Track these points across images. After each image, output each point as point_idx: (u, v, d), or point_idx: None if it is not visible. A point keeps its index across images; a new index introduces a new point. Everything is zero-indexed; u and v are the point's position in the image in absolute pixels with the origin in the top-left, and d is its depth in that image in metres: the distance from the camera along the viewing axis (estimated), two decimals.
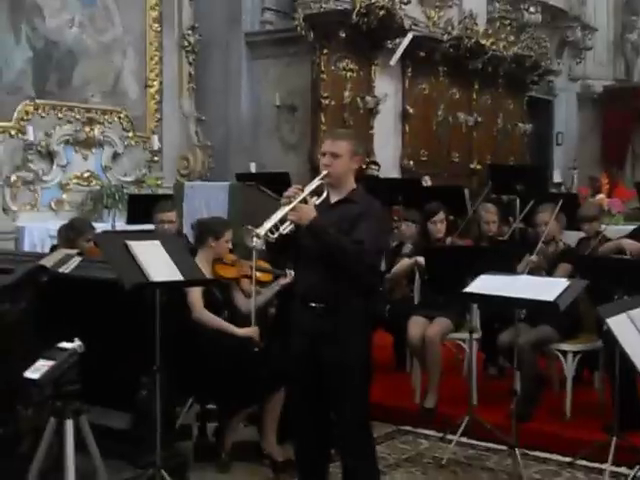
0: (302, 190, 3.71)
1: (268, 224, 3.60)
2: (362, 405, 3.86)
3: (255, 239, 3.61)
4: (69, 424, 2.89)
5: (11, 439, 3.93)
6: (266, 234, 3.60)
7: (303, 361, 3.84)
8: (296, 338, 3.89)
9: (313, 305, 3.77)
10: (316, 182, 3.78)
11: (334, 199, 3.86)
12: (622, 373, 4.62)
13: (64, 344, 2.88)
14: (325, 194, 3.81)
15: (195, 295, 4.91)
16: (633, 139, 17.78)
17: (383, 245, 3.78)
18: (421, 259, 5.98)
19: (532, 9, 15.40)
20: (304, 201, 3.70)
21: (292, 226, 3.68)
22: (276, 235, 3.64)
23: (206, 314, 4.94)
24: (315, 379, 3.81)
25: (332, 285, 3.71)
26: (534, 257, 5.74)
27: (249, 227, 3.64)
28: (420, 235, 6.43)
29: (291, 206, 3.64)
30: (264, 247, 3.91)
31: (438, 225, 6.18)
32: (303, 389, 3.89)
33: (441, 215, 6.21)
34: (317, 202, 3.76)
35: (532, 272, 5.61)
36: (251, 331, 4.97)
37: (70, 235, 5.84)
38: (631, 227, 6.63)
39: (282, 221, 3.66)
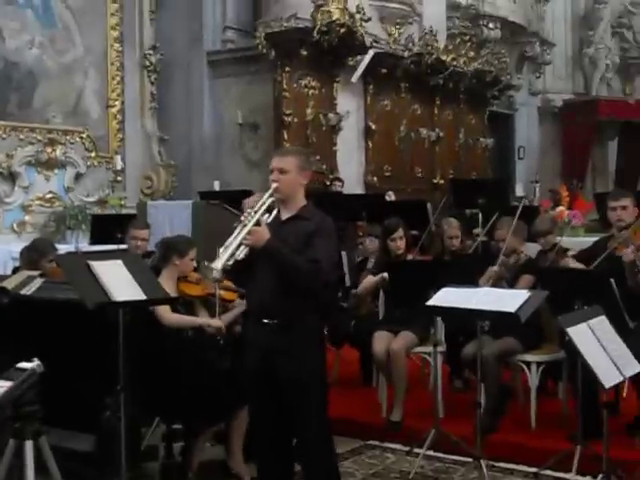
0: (254, 212, 3.70)
1: (224, 255, 3.60)
2: (320, 420, 3.86)
3: (215, 272, 3.63)
4: (29, 445, 2.86)
5: None
6: (224, 266, 3.60)
7: (258, 377, 3.84)
8: (250, 354, 3.90)
9: (266, 321, 3.78)
10: (267, 200, 3.77)
11: (285, 216, 3.86)
12: (585, 382, 4.67)
13: (23, 364, 2.86)
14: (275, 211, 3.82)
15: (161, 307, 4.88)
16: (593, 152, 18.04)
17: (336, 261, 3.80)
18: (386, 275, 6.00)
19: (491, 25, 15.62)
20: (257, 222, 3.69)
21: (247, 250, 3.67)
22: (231, 262, 3.63)
23: (175, 317, 4.92)
24: (272, 395, 3.82)
25: (285, 301, 3.71)
26: (496, 268, 5.78)
27: (206, 264, 3.72)
28: (381, 252, 6.45)
29: (246, 230, 3.64)
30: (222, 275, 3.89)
31: (398, 242, 6.19)
32: (260, 405, 3.89)
33: (400, 232, 6.22)
34: (269, 220, 3.76)
35: (494, 284, 5.66)
36: (215, 321, 4.97)
37: (33, 256, 5.79)
38: (591, 239, 6.71)
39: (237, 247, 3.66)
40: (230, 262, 3.62)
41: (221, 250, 3.64)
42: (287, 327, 3.74)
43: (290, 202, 3.86)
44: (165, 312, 4.89)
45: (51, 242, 6.59)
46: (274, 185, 3.79)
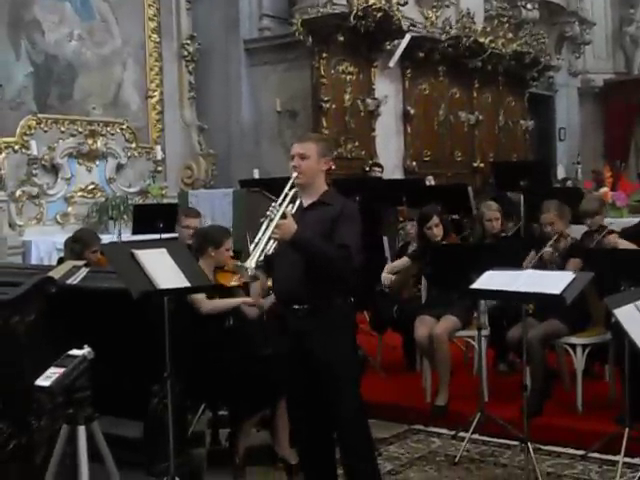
0: (278, 204, 3.72)
1: (256, 253, 3.62)
2: (354, 404, 3.89)
3: (249, 271, 3.64)
4: (81, 430, 2.91)
5: (25, 450, 3.95)
6: (257, 264, 3.63)
7: (291, 361, 3.90)
8: (282, 338, 3.95)
9: (295, 307, 3.82)
10: (290, 192, 3.79)
11: (307, 202, 3.89)
12: (632, 364, 4.62)
13: (74, 351, 2.90)
14: (299, 200, 3.84)
15: (197, 295, 4.91)
16: (635, 132, 17.78)
17: (361, 245, 3.84)
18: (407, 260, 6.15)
19: (529, 5, 15.43)
20: (282, 214, 3.71)
21: (276, 243, 3.70)
22: (262, 257, 3.66)
23: (213, 302, 4.96)
24: (307, 378, 3.86)
25: (314, 287, 3.74)
26: (549, 249, 5.72)
27: (239, 264, 3.77)
28: (419, 239, 6.46)
29: (273, 224, 3.66)
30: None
31: (434, 230, 6.20)
32: (295, 389, 3.95)
33: (435, 219, 6.22)
34: (293, 211, 3.77)
35: (544, 266, 5.59)
36: (250, 299, 5.00)
37: (77, 247, 5.86)
38: (636, 219, 6.63)
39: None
40: (261, 257, 3.65)
41: (251, 247, 3.67)
42: (317, 312, 3.78)
43: (311, 188, 3.89)
44: (201, 301, 4.91)
45: (94, 232, 6.66)
46: (295, 172, 3.83)
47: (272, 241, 3.68)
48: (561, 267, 5.69)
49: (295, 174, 3.83)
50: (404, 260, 6.59)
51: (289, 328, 3.88)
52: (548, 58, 15.16)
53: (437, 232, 6.20)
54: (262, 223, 3.69)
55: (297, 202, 3.82)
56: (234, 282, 5.21)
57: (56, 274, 4.68)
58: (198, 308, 4.90)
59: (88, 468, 2.96)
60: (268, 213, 3.70)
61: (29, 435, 3.97)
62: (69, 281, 4.71)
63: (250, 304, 5.03)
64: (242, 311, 5.15)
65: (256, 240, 3.66)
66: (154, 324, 4.14)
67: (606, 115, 17.92)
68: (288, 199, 3.77)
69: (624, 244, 5.47)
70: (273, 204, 3.74)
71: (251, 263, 3.62)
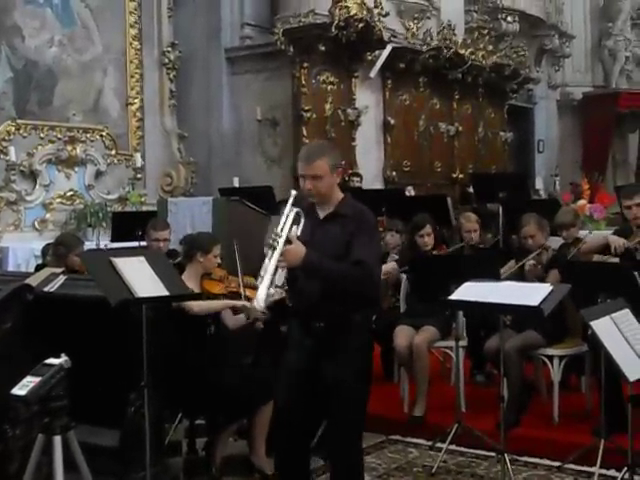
0: (276, 206, 3.64)
1: (263, 290, 3.47)
2: (358, 423, 3.84)
3: (259, 308, 3.51)
4: (57, 440, 2.89)
5: (0, 459, 3.92)
6: (267, 301, 3.49)
7: (299, 377, 3.77)
8: (294, 354, 3.83)
9: (314, 324, 3.70)
10: (290, 214, 3.62)
11: (323, 214, 3.76)
12: (608, 376, 4.65)
13: (51, 360, 2.89)
14: (302, 222, 3.66)
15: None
16: (613, 144, 17.92)
17: (380, 253, 3.70)
18: (393, 265, 6.16)
19: (510, 18, 15.54)
20: (286, 240, 3.55)
21: (285, 272, 3.56)
22: (273, 290, 3.53)
23: (202, 304, 4.91)
24: (312, 395, 3.76)
25: (332, 303, 3.62)
26: (532, 261, 5.75)
27: (250, 307, 3.60)
28: (408, 248, 6.47)
29: (278, 253, 3.49)
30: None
31: (426, 238, 6.22)
32: (295, 404, 3.81)
33: (428, 229, 6.25)
34: (299, 232, 3.62)
35: (525, 279, 5.61)
36: (244, 302, 4.94)
37: (60, 251, 5.86)
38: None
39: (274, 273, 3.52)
40: (271, 290, 3.50)
41: (258, 282, 3.52)
42: (334, 329, 3.66)
43: (327, 200, 3.75)
44: (190, 303, 4.89)
45: (77, 236, 6.62)
46: (309, 196, 3.68)
47: (280, 270, 3.53)
48: (543, 279, 5.72)
49: (294, 192, 3.65)
50: (392, 264, 6.54)
51: (303, 345, 3.77)
52: (528, 71, 15.25)
53: (428, 241, 6.22)
54: (265, 253, 3.52)
55: (302, 222, 3.66)
56: (220, 290, 5.21)
57: (33, 281, 4.66)
58: (189, 310, 4.87)
59: (64, 477, 2.94)
60: (270, 242, 3.51)
61: (4, 444, 3.94)
62: (46, 288, 4.69)
63: (238, 308, 5.00)
64: (222, 320, 5.14)
65: (261, 273, 3.50)
66: (132, 332, 4.13)
67: (584, 128, 18.05)
68: (290, 221, 3.61)
69: (597, 257, 5.52)
70: (275, 229, 3.56)
71: (260, 302, 3.47)
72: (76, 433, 3.06)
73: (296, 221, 3.65)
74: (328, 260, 3.58)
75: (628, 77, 18.44)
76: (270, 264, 3.50)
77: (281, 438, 4.01)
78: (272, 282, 3.51)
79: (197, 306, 4.88)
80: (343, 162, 3.84)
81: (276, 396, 4.13)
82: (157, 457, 4.35)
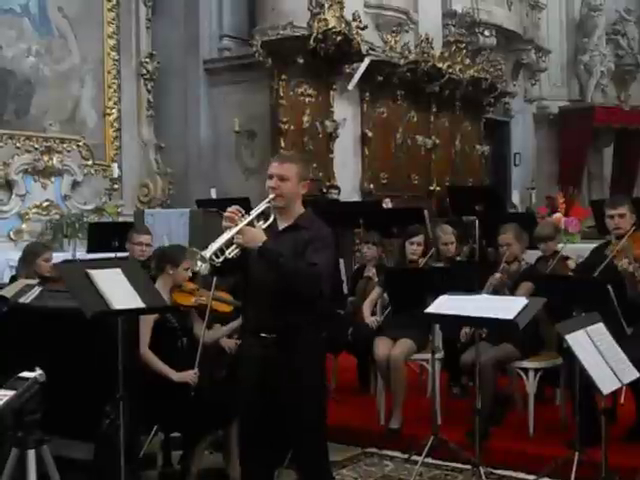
0: (247, 213, 3.62)
1: (214, 246, 3.52)
2: (317, 433, 3.84)
3: (200, 262, 3.51)
4: (31, 454, 2.87)
5: None
6: (211, 257, 3.51)
7: (254, 390, 3.78)
8: (246, 368, 3.85)
9: (263, 335, 3.71)
10: (263, 205, 3.70)
11: (282, 225, 3.79)
12: (582, 389, 4.68)
13: (25, 374, 2.86)
14: (272, 218, 3.74)
15: (143, 330, 4.85)
16: (588, 158, 18.06)
17: (332, 271, 3.71)
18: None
19: (487, 32, 15.63)
20: (250, 224, 3.61)
21: (238, 250, 3.60)
22: (221, 259, 3.55)
23: (148, 355, 4.84)
24: (268, 407, 3.75)
25: (283, 316, 3.64)
26: (497, 275, 5.80)
27: (194, 249, 3.58)
28: (399, 255, 6.48)
29: (237, 229, 3.55)
30: (209, 272, 3.72)
31: (415, 246, 6.23)
32: (253, 417, 3.81)
33: (419, 238, 6.27)
34: (264, 226, 3.68)
35: (496, 291, 5.68)
36: (188, 376, 4.82)
37: (28, 258, 5.87)
38: (587, 245, 6.72)
39: (228, 245, 3.57)
40: (220, 259, 3.54)
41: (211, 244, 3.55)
42: (285, 342, 3.68)
43: (288, 211, 3.78)
44: (144, 337, 4.83)
45: (44, 243, 6.61)
46: (272, 194, 3.71)
47: (234, 246, 3.57)
48: (512, 290, 5.77)
49: (272, 195, 3.71)
50: (377, 290, 6.51)
51: (253, 357, 3.78)
52: (504, 84, 15.35)
53: (416, 250, 6.22)
54: (225, 228, 3.58)
55: (270, 220, 3.71)
56: (190, 302, 5.19)
57: (7, 293, 4.63)
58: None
59: None
60: (235, 218, 3.59)
61: None
62: (21, 300, 4.66)
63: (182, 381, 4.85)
64: (195, 334, 5.12)
65: (217, 239, 3.54)
66: (107, 344, 4.10)
67: (560, 141, 18.17)
68: (257, 212, 3.66)
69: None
70: (236, 208, 3.62)
71: (206, 252, 3.48)
72: (50, 447, 3.04)
73: (265, 218, 3.71)
74: (283, 254, 3.60)
75: (603, 92, 18.60)
76: (229, 233, 3.56)
77: (244, 455, 3.99)
78: (222, 249, 3.54)
79: (143, 351, 4.83)
80: (311, 178, 3.84)
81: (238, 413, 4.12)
82: (132, 470, 4.32)
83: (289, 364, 3.68)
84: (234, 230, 3.56)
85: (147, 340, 4.86)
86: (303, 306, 3.67)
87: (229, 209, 3.64)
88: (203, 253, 3.50)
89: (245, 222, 3.58)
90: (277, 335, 3.69)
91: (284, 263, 3.59)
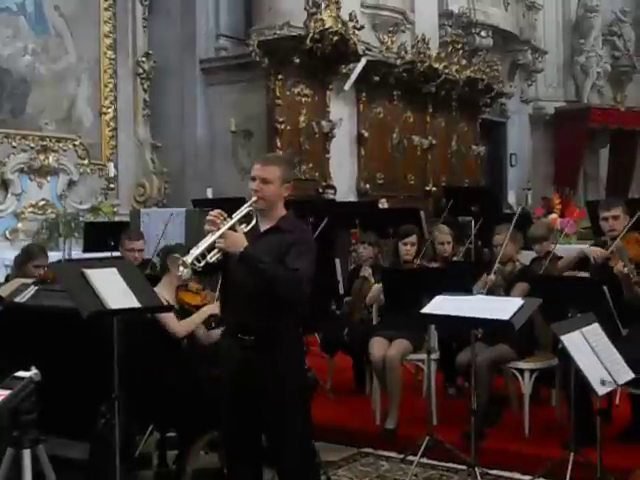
0: (229, 216, 3.60)
1: (195, 251, 3.51)
2: (303, 436, 3.81)
3: (182, 268, 3.50)
4: (27, 454, 2.86)
5: None
6: (193, 262, 3.50)
7: (233, 391, 3.76)
8: (225, 369, 3.84)
9: (242, 337, 3.70)
10: (245, 208, 3.68)
11: (264, 227, 3.77)
12: (577, 389, 4.68)
13: (20, 373, 2.86)
14: (254, 221, 3.72)
15: (168, 316, 4.88)
16: (584, 159, 18.09)
17: (312, 276, 3.71)
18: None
19: (483, 33, 15.66)
20: (232, 228, 3.60)
21: (220, 254, 3.58)
22: (202, 264, 3.55)
23: (184, 324, 4.98)
24: (248, 408, 3.73)
25: (262, 318, 3.62)
26: (492, 276, 5.81)
27: (176, 255, 3.58)
28: (393, 255, 6.48)
29: (219, 233, 3.54)
30: (190, 275, 3.67)
31: (408, 247, 6.23)
32: (233, 417, 3.79)
33: (413, 238, 6.26)
34: (246, 229, 3.67)
35: (491, 291, 5.68)
36: (211, 308, 5.03)
37: (20, 259, 5.86)
38: (583, 246, 6.72)
39: (209, 249, 3.56)
40: (201, 263, 3.53)
41: (193, 248, 3.55)
42: (263, 344, 3.66)
43: (270, 213, 3.77)
44: (171, 320, 4.89)
45: (43, 248, 6.57)
46: (255, 196, 3.70)
47: (215, 250, 3.55)
48: (507, 291, 5.77)
49: (254, 198, 3.70)
50: (377, 287, 6.51)
51: (232, 358, 3.76)
52: (501, 85, 15.36)
53: (409, 250, 6.22)
54: (207, 232, 3.57)
55: (252, 223, 3.70)
56: (196, 301, 5.20)
57: (3, 292, 4.62)
58: (177, 334, 4.89)
59: None
60: (217, 222, 3.57)
61: None
62: (17, 299, 4.65)
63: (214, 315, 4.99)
64: (196, 335, 5.13)
65: (199, 244, 3.53)
66: (103, 344, 4.10)
67: (556, 142, 18.20)
68: (240, 215, 3.65)
69: (590, 249, 5.59)
70: (218, 212, 3.61)
71: (188, 258, 3.48)
72: (45, 446, 3.03)
73: (248, 221, 3.69)
74: (264, 258, 3.59)
75: (599, 93, 18.64)
76: (210, 238, 3.54)
77: (228, 455, 3.98)
78: (204, 254, 3.53)
79: (181, 327, 4.89)
80: (292, 182, 3.84)
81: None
82: (127, 470, 4.32)
83: (272, 367, 3.66)
84: (217, 234, 3.54)
85: (174, 320, 4.92)
86: (283, 309, 3.66)
87: (211, 212, 3.63)
88: (185, 259, 3.49)
89: (227, 226, 3.57)
90: (255, 337, 3.67)
91: (264, 269, 3.58)
